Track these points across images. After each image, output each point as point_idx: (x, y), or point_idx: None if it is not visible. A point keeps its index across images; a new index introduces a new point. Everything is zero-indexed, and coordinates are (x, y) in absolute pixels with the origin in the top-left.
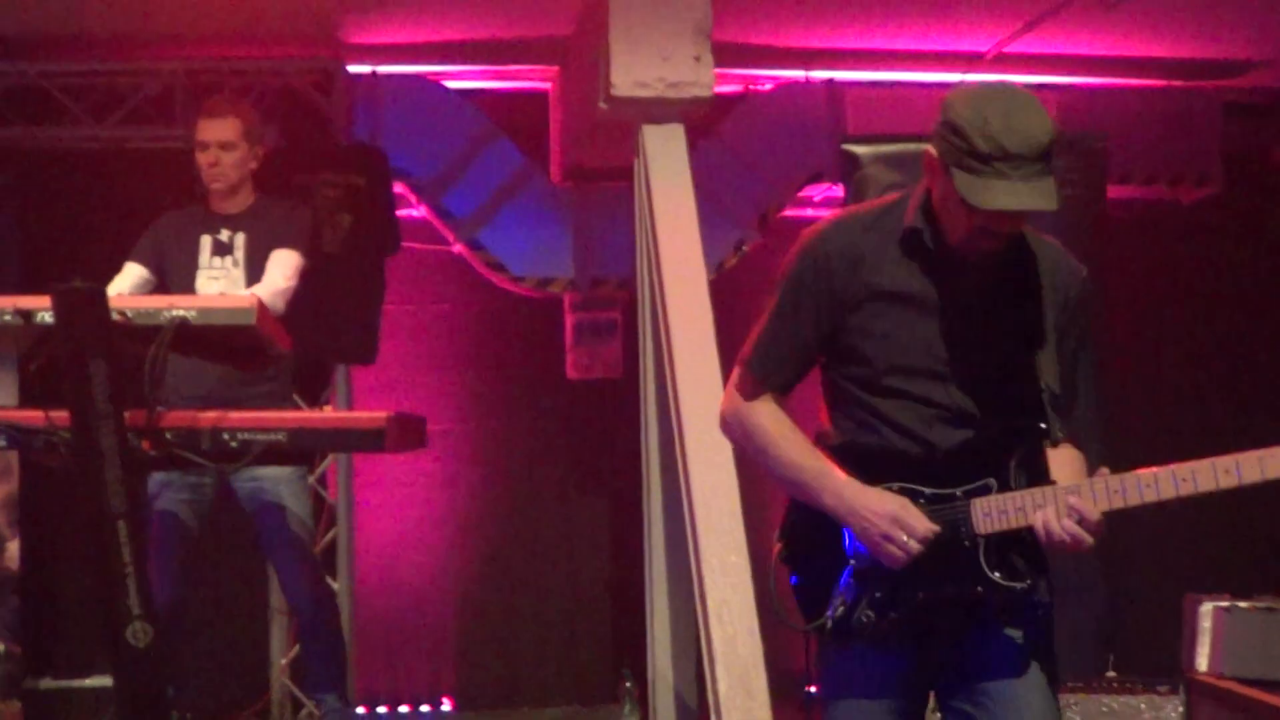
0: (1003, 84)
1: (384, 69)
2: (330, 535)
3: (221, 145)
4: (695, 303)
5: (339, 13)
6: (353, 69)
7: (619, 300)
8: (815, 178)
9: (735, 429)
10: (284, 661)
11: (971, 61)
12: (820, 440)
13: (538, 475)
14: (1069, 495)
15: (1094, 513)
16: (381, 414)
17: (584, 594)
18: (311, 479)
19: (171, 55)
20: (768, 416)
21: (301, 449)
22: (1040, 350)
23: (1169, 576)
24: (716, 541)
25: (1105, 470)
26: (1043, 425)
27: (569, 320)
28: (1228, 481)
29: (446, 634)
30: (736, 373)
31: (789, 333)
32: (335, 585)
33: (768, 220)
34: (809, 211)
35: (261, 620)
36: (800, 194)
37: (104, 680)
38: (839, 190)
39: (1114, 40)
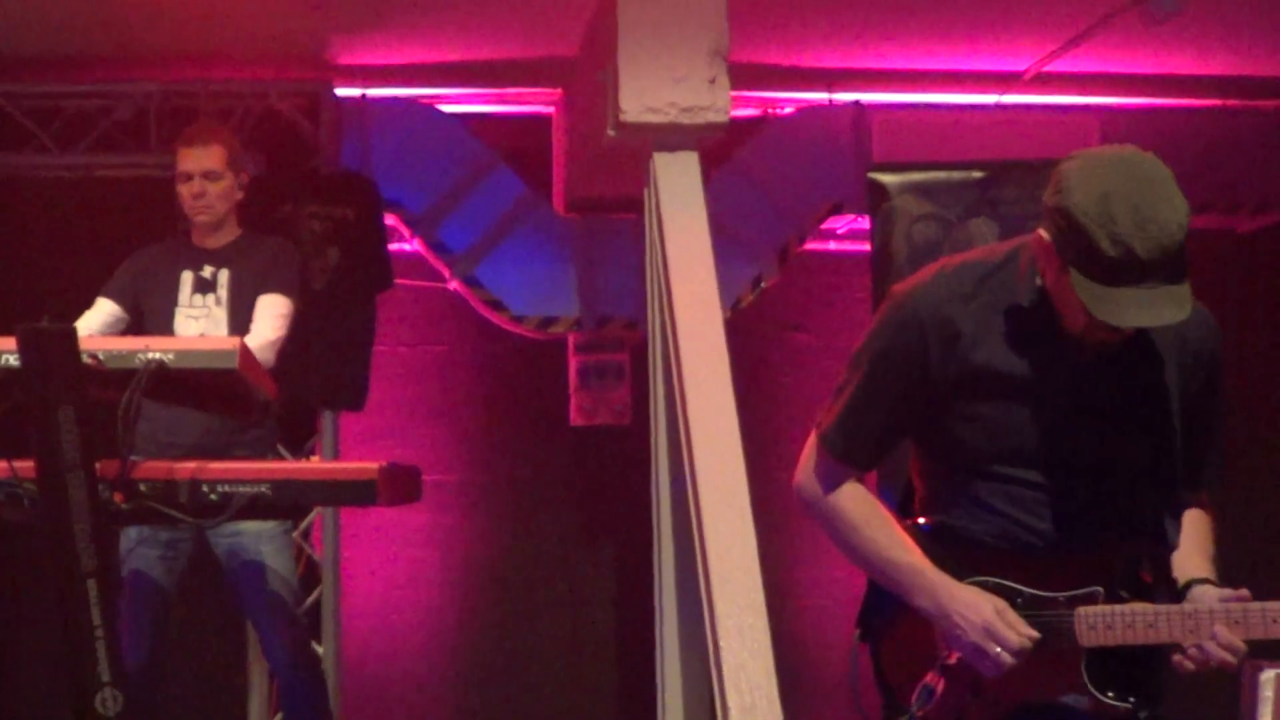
0: (1129, 156)
1: (374, 92)
2: (315, 595)
3: (206, 175)
4: (710, 344)
5: (326, 32)
6: (341, 92)
7: (627, 341)
8: (839, 209)
9: (812, 509)
10: None
11: (1008, 82)
12: (906, 508)
13: (538, 529)
14: (1185, 621)
15: (1240, 646)
16: (373, 465)
17: (588, 658)
18: (295, 534)
19: (145, 76)
20: (851, 502)
21: (287, 503)
22: (1165, 429)
23: None
24: (733, 603)
25: (1245, 593)
26: (1153, 529)
27: (573, 363)
28: None
29: (441, 700)
30: (814, 445)
31: (875, 410)
32: (320, 649)
33: (788, 255)
34: (832, 245)
35: (240, 687)
36: (823, 226)
37: None
38: (864, 222)
39: (1161, 57)
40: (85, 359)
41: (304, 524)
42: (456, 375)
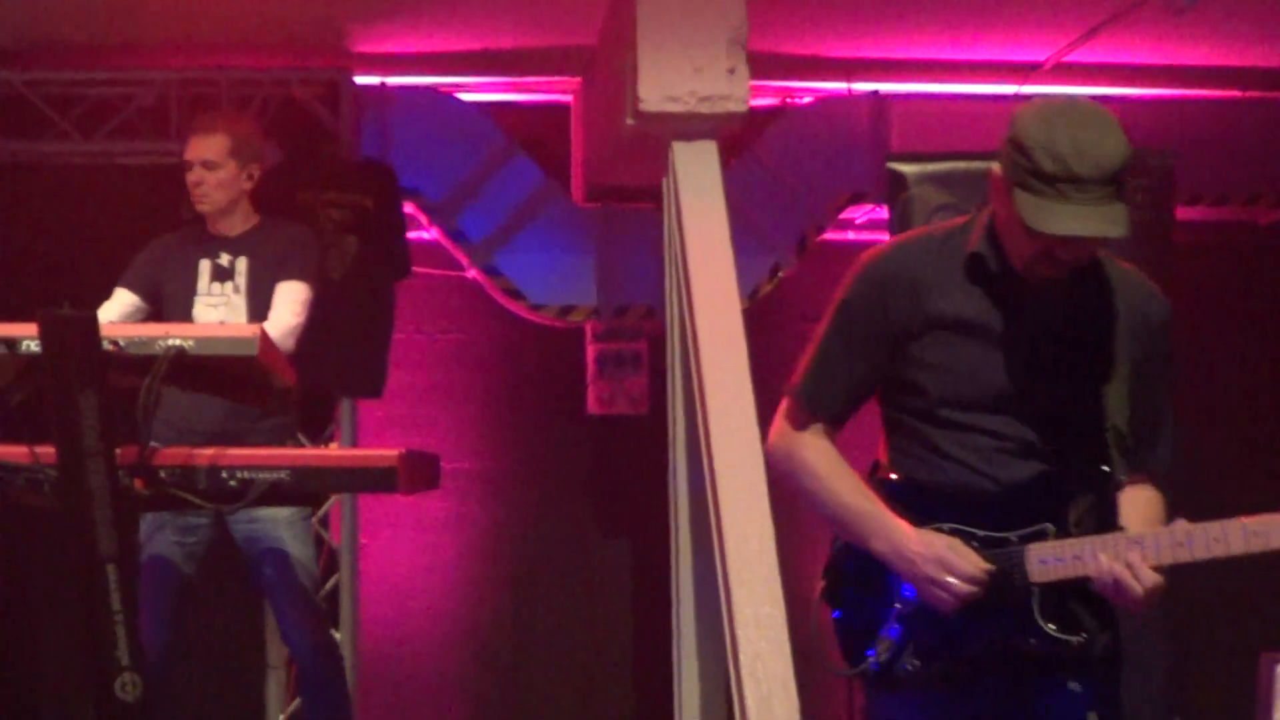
0: (1076, 99)
1: (393, 80)
2: (333, 581)
3: (204, 164)
4: (728, 333)
5: (346, 20)
6: (360, 80)
7: (645, 330)
8: (858, 198)
9: (782, 463)
10: (283, 716)
11: (1027, 72)
12: (874, 474)
13: (556, 517)
14: (1128, 547)
15: (1143, 567)
16: (392, 452)
17: (605, 647)
18: (314, 521)
19: (166, 64)
20: (817, 451)
21: (306, 489)
22: (1109, 385)
23: (1241, 633)
24: (750, 591)
25: (1182, 521)
26: (1106, 469)
27: (591, 351)
28: None
29: (457, 686)
30: (784, 403)
31: (841, 361)
32: (338, 634)
33: (806, 244)
34: (850, 235)
35: (259, 671)
36: (841, 216)
37: None
38: (883, 212)
39: (1183, 48)
40: (106, 345)
41: (322, 511)
42: (475, 363)
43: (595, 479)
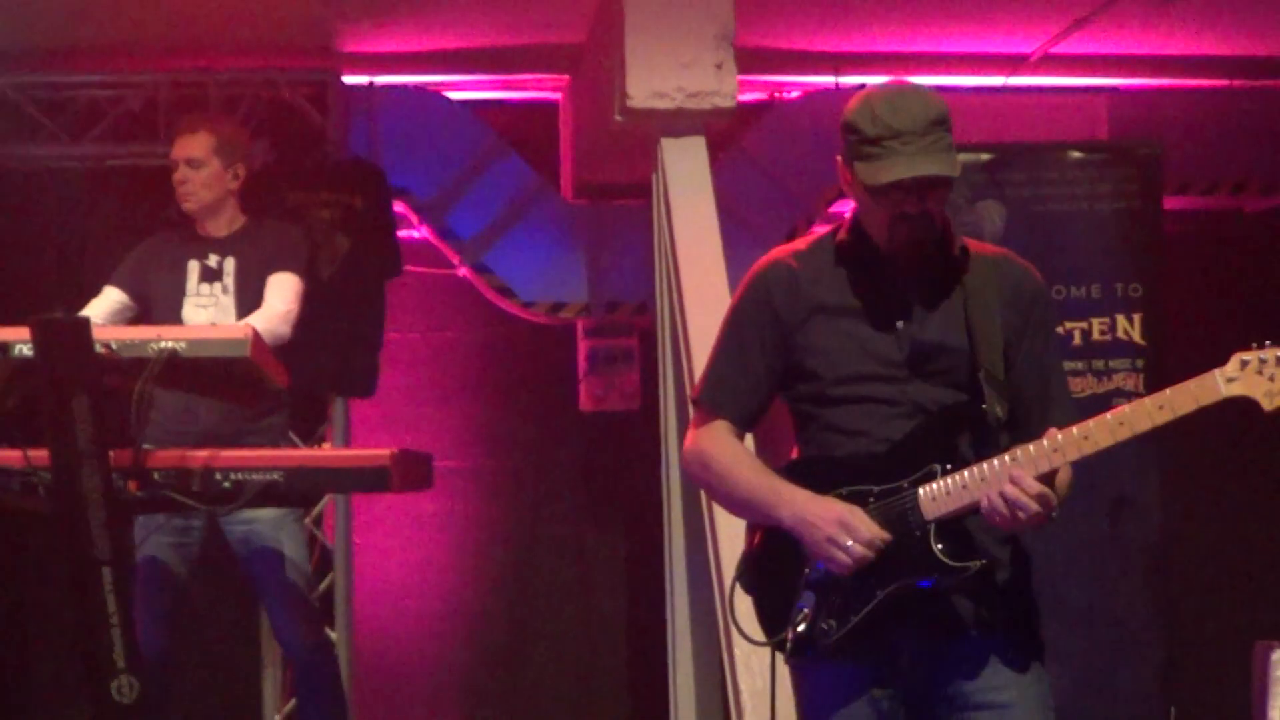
0: (890, 81)
1: (382, 80)
2: (327, 581)
3: (189, 162)
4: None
5: (334, 21)
6: (349, 80)
7: (636, 326)
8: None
9: (693, 467)
10: (279, 716)
11: (1015, 64)
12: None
13: (549, 514)
14: (1005, 466)
15: (1032, 485)
16: (385, 451)
17: (600, 642)
18: (307, 521)
19: (154, 67)
20: (718, 444)
21: (299, 490)
22: (981, 337)
23: (1236, 622)
24: None
25: (1053, 431)
26: (984, 406)
27: (582, 348)
28: (1162, 417)
29: (452, 685)
30: (692, 414)
31: (735, 360)
32: (333, 634)
33: (795, 238)
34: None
35: (254, 673)
36: (831, 209)
37: None
38: None
39: (1169, 38)
40: (98, 349)
41: (316, 511)
42: (466, 361)
43: (588, 475)
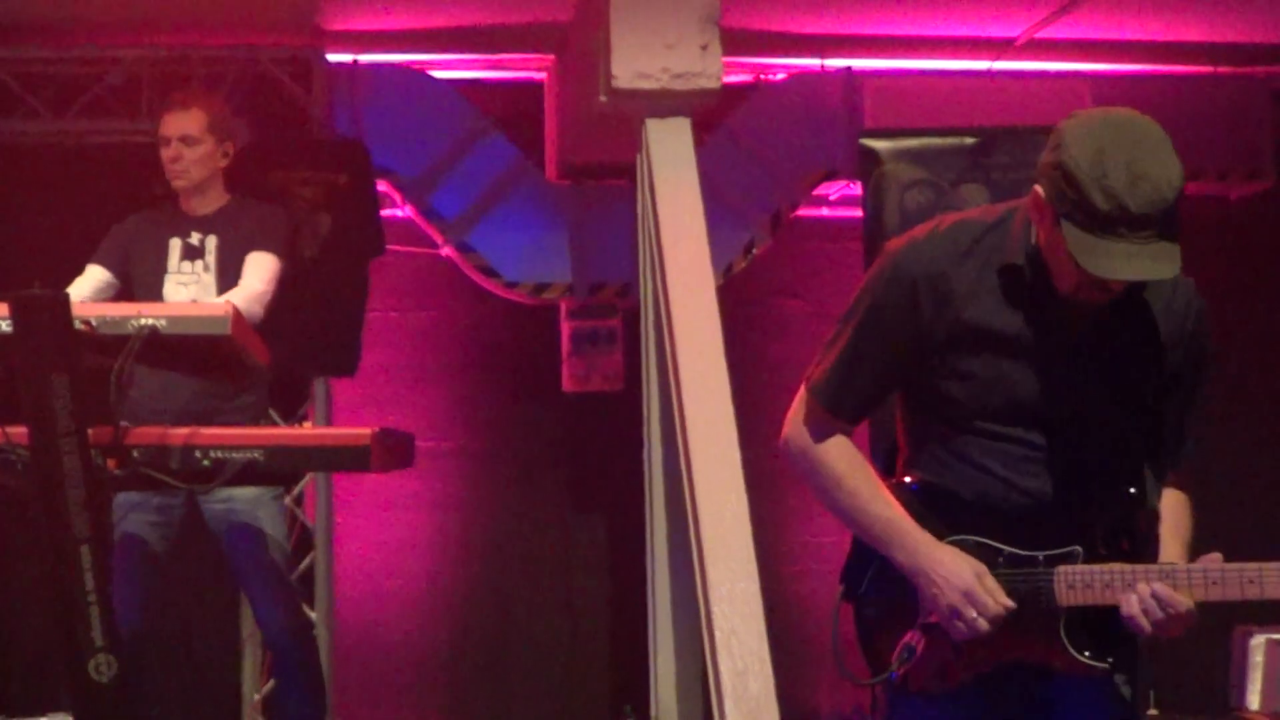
0: (1126, 117)
1: (366, 58)
2: (308, 560)
3: (183, 140)
4: (702, 310)
5: None
6: (332, 58)
7: (619, 307)
8: (831, 175)
9: (799, 460)
10: (257, 698)
11: (1001, 48)
12: (890, 468)
13: (531, 495)
14: (1158, 581)
15: (1183, 604)
16: (366, 430)
17: (582, 623)
18: (288, 500)
19: (136, 42)
20: (837, 455)
21: (279, 468)
22: (1146, 403)
23: (1216, 606)
24: (725, 567)
25: (1216, 556)
26: (1134, 491)
27: (565, 329)
28: None
29: (434, 667)
30: (802, 398)
31: (867, 364)
32: (313, 615)
33: (780, 221)
34: (824, 211)
35: (233, 653)
36: (815, 192)
37: (64, 719)
38: (856, 188)
39: (1153, 23)
40: (78, 325)
41: (296, 490)
42: (449, 341)
43: (570, 456)
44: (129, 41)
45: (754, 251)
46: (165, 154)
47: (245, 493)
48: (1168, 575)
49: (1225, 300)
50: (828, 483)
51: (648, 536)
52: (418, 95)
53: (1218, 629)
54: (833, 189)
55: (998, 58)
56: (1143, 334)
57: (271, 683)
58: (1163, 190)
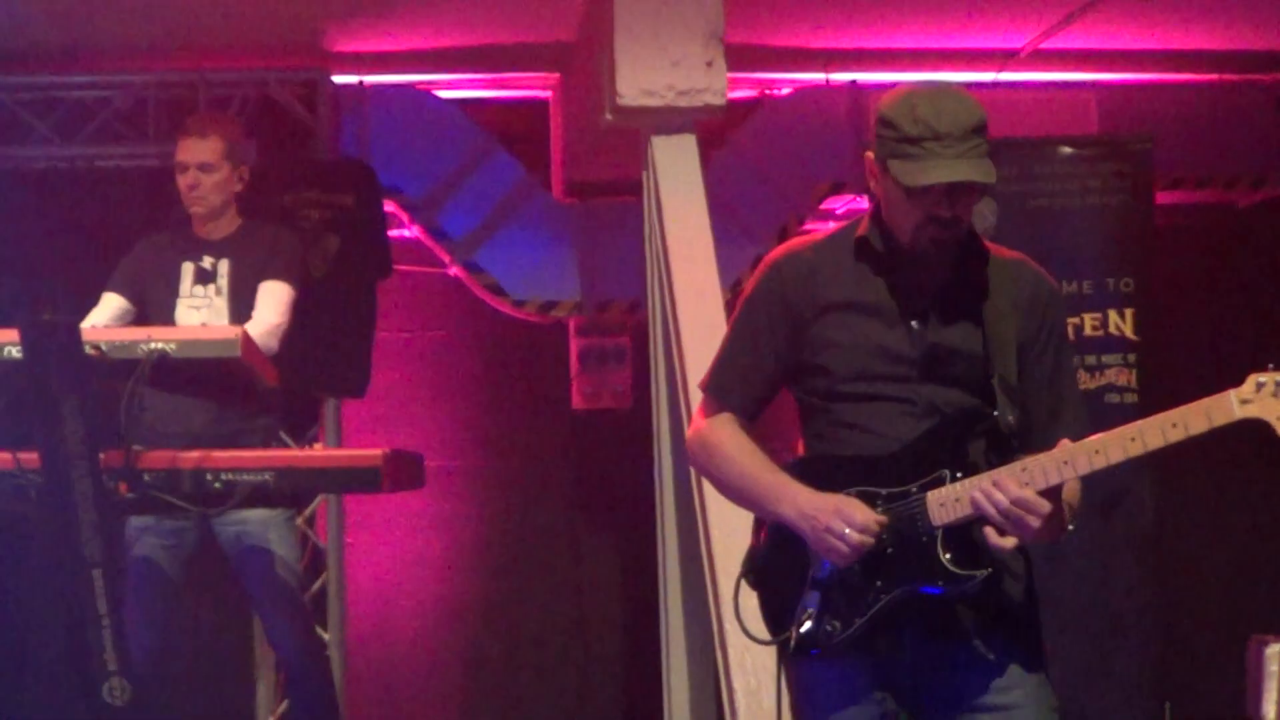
0: (930, 80)
1: (372, 79)
2: (320, 581)
3: (201, 167)
4: (710, 326)
5: (323, 20)
6: (338, 80)
7: (628, 324)
8: (838, 188)
9: (698, 455)
10: (272, 718)
11: (1004, 60)
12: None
13: (542, 513)
14: (1013, 475)
15: (1030, 494)
16: (376, 452)
17: (594, 641)
18: (299, 521)
19: (143, 67)
20: (725, 433)
21: (290, 491)
22: (995, 342)
23: (1230, 617)
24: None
25: (1064, 440)
26: (995, 413)
27: (574, 346)
28: (1175, 435)
29: (446, 686)
30: (700, 401)
31: (746, 351)
32: (325, 635)
33: (787, 235)
34: (832, 225)
35: (247, 674)
36: (822, 206)
37: None
38: (863, 202)
39: (1159, 33)
40: (88, 350)
41: (308, 511)
42: (458, 360)
43: (581, 473)
44: (136, 66)
45: None
46: (183, 180)
47: (257, 514)
48: (1021, 469)
49: (1232, 307)
50: (718, 462)
51: (659, 552)
52: (424, 115)
53: (1233, 640)
54: (840, 202)
55: (1002, 69)
56: (992, 295)
57: (285, 703)
58: (965, 112)
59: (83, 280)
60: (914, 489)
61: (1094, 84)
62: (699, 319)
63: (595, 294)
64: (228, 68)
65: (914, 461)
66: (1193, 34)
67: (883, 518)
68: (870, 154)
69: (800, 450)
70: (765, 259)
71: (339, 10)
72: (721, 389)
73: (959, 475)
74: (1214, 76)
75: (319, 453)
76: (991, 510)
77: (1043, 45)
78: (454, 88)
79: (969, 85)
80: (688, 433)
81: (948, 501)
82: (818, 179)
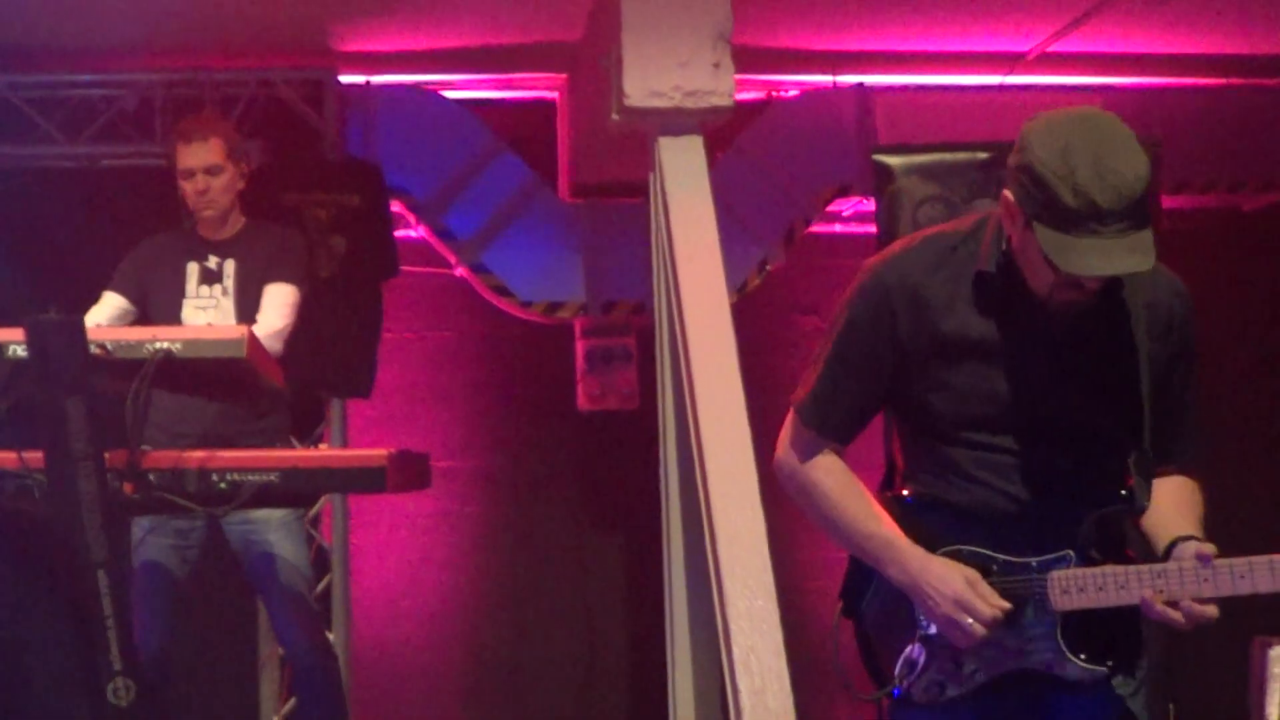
0: (1089, 114)
1: (378, 79)
2: (325, 581)
3: (208, 170)
4: (716, 327)
5: (329, 19)
6: (345, 79)
7: (634, 326)
8: (844, 191)
9: (790, 481)
10: (277, 717)
11: (1012, 63)
12: (887, 487)
13: (547, 514)
14: (1150, 581)
15: (1207, 609)
16: (381, 451)
17: (599, 642)
18: (305, 521)
19: (149, 66)
20: (826, 474)
21: (296, 490)
22: (1132, 401)
23: (1233, 617)
24: (742, 585)
25: (1206, 553)
26: (1124, 493)
27: (580, 347)
28: None
29: (452, 686)
30: (790, 420)
31: (848, 382)
32: (331, 635)
33: (794, 237)
34: (838, 228)
35: (252, 673)
36: (828, 208)
37: None
38: (870, 204)
39: (1167, 36)
40: (93, 349)
41: (313, 511)
42: (463, 361)
43: (586, 475)
44: (142, 65)
45: (768, 268)
46: (191, 187)
47: (265, 515)
48: (1160, 576)
49: (1237, 311)
50: (819, 502)
51: (664, 554)
52: (430, 116)
53: (1236, 641)
54: (846, 205)
55: (1010, 72)
56: (1124, 332)
57: (291, 702)
58: (1131, 183)
59: (89, 279)
60: (1034, 564)
61: (1101, 87)
62: (706, 320)
63: (601, 295)
64: (234, 67)
65: (1035, 529)
66: (1200, 38)
67: (1006, 605)
68: (1009, 195)
69: (897, 463)
70: (867, 270)
71: (346, 10)
72: (820, 419)
73: (1091, 557)
74: (1221, 80)
75: (324, 452)
76: (1172, 621)
77: (1050, 48)
78: (461, 88)
79: (977, 88)
80: (778, 449)
81: (1070, 589)
82: (825, 181)
